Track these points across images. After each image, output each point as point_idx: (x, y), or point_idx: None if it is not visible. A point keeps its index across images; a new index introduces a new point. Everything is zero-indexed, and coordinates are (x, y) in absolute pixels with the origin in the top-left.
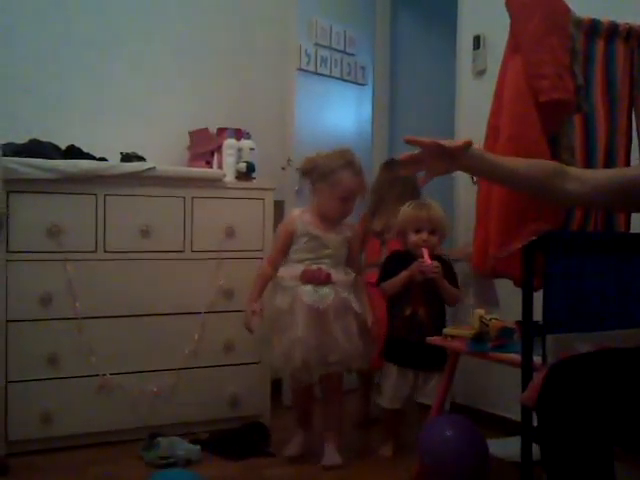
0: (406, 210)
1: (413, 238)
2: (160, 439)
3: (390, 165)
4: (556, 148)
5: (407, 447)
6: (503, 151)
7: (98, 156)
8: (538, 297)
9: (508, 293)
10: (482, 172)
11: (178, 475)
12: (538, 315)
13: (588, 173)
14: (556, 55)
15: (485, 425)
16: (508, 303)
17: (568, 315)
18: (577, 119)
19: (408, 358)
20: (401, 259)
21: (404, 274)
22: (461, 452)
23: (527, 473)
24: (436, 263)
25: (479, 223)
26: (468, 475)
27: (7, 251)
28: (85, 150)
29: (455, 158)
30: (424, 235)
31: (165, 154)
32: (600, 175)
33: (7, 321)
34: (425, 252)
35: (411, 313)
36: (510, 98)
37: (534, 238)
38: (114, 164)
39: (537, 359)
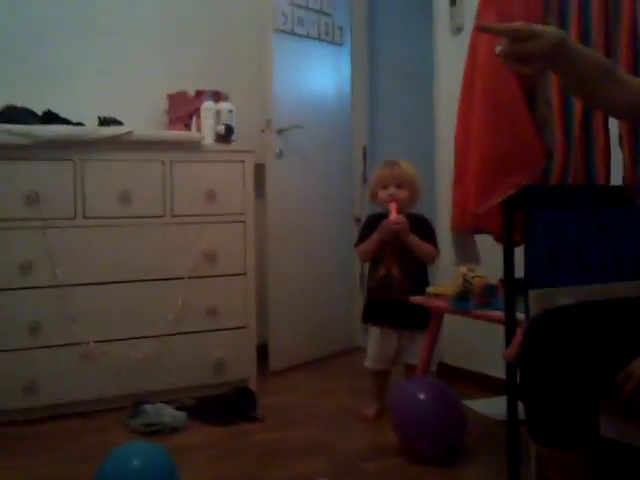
0: (375, 171)
1: (381, 195)
2: (145, 406)
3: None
4: (532, 101)
5: None
6: (478, 104)
7: (75, 121)
8: (520, 253)
9: (489, 249)
10: (570, 62)
11: (139, 447)
12: (521, 272)
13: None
14: (529, 6)
15: (474, 385)
16: (490, 260)
17: (549, 270)
18: None
19: (385, 318)
20: (376, 221)
21: (373, 235)
22: (430, 416)
23: (513, 431)
24: (400, 218)
25: (457, 179)
26: (442, 437)
27: None
28: (62, 115)
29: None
30: (391, 189)
31: (144, 118)
32: None
33: None
34: (393, 206)
35: (384, 273)
36: (485, 51)
37: (513, 192)
38: (91, 129)
39: (521, 315)
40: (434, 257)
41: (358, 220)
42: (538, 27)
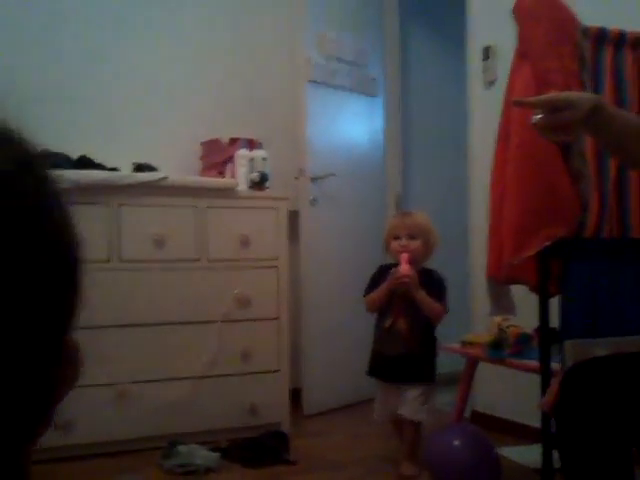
0: (388, 220)
1: (393, 245)
2: (180, 447)
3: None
4: (567, 153)
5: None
6: (514, 156)
7: (109, 166)
8: (555, 303)
9: (523, 299)
10: (606, 125)
11: None
12: (555, 322)
13: None
14: (564, 63)
15: (506, 433)
16: (524, 309)
17: (585, 320)
18: None
19: (387, 371)
20: (386, 271)
21: (382, 286)
22: (466, 461)
23: (547, 478)
24: (410, 270)
25: (493, 230)
26: None
27: None
28: (97, 161)
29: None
30: (402, 241)
31: (177, 164)
32: None
33: None
34: (403, 258)
35: (390, 325)
36: None
37: (548, 244)
38: (127, 174)
39: (556, 365)
40: (441, 317)
41: None
42: (573, 95)
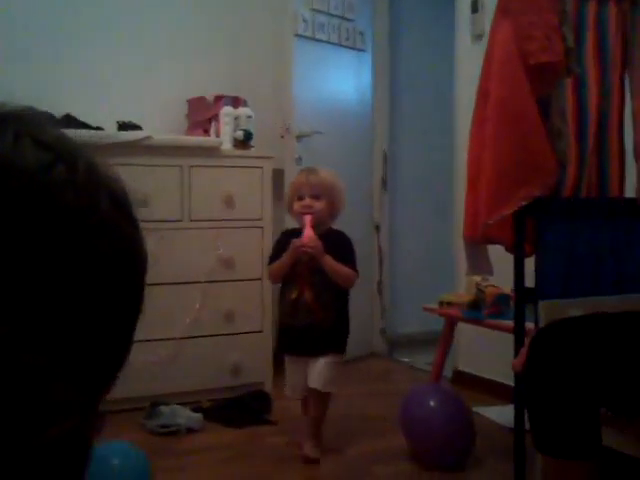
0: (292, 180)
1: (296, 206)
2: (162, 407)
3: None
4: (547, 111)
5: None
6: (492, 114)
7: (95, 125)
8: (531, 263)
9: (504, 259)
10: None
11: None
12: (533, 282)
13: None
14: (544, 17)
15: (487, 392)
16: (504, 269)
17: (560, 281)
18: (568, 82)
19: (296, 344)
20: (290, 237)
21: (284, 256)
22: (439, 421)
23: (520, 439)
24: (313, 239)
25: (469, 190)
26: (451, 443)
27: None
28: (81, 119)
29: None
30: (305, 201)
31: (164, 123)
32: None
33: None
34: (307, 219)
35: (296, 297)
36: (499, 61)
37: (525, 203)
38: (110, 133)
39: (531, 325)
40: (351, 281)
41: (377, 227)
42: None
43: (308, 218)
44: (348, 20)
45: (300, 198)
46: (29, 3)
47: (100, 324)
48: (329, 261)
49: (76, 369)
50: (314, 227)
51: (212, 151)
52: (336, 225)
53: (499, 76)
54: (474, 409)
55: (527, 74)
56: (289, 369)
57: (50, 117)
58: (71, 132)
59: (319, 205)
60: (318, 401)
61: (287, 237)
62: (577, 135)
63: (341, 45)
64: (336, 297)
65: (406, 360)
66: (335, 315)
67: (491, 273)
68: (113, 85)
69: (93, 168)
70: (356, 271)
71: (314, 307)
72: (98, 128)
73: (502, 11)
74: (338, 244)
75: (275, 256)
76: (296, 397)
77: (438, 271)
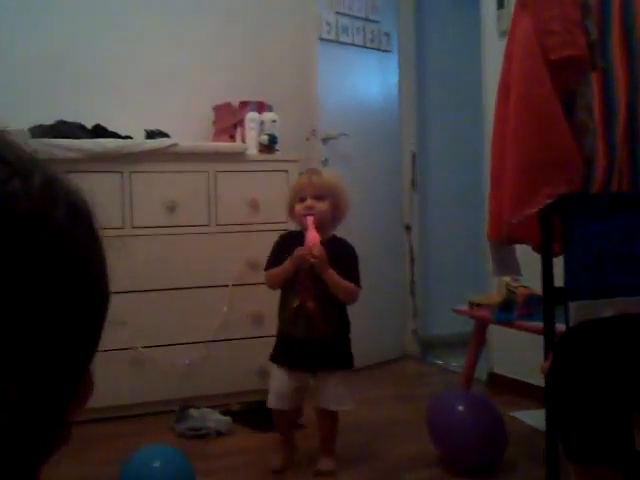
0: (294, 182)
1: (297, 208)
2: (191, 411)
3: None
4: (572, 107)
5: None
6: (514, 111)
7: (124, 134)
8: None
9: (536, 259)
10: None
11: (159, 450)
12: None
13: None
14: (565, 10)
15: (524, 395)
16: (536, 270)
17: (591, 280)
18: (594, 76)
19: (295, 357)
20: (290, 241)
21: (286, 263)
22: (469, 427)
23: (552, 444)
24: (315, 241)
25: (493, 189)
26: (481, 449)
27: None
28: (111, 129)
29: None
30: (308, 202)
31: (191, 130)
32: None
33: None
34: (310, 220)
35: (298, 305)
36: (519, 57)
37: (550, 202)
38: (138, 142)
39: (562, 327)
40: (354, 297)
41: (408, 227)
42: None
43: (310, 219)
44: (372, 22)
45: (302, 199)
46: (59, 18)
47: (45, 330)
48: (332, 276)
49: (17, 368)
50: (317, 229)
51: (237, 156)
52: (365, 226)
53: (520, 72)
54: (510, 413)
55: (549, 70)
56: (279, 379)
57: (80, 127)
58: (101, 141)
59: (322, 206)
60: (330, 420)
61: (287, 240)
62: (605, 129)
63: (366, 47)
64: (338, 308)
65: (439, 362)
66: (337, 327)
67: (519, 273)
68: (141, 95)
69: (50, 181)
70: (359, 286)
71: (316, 318)
72: (127, 137)
73: (522, 5)
74: (341, 255)
75: (274, 260)
76: (280, 407)
77: (471, 271)
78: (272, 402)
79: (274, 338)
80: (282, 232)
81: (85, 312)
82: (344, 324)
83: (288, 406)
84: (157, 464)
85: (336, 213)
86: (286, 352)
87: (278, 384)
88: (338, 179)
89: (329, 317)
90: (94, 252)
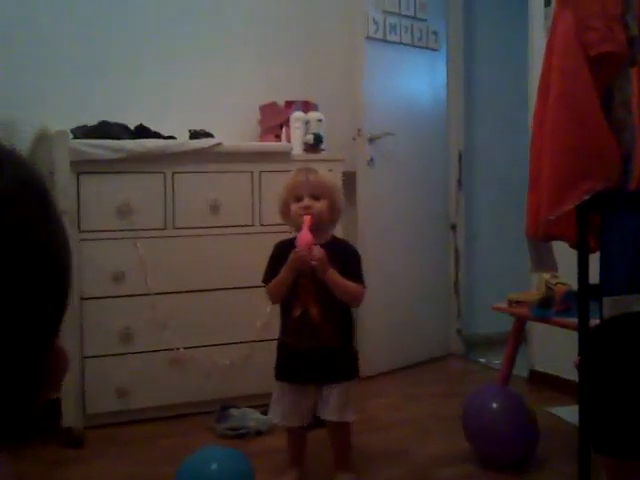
0: (286, 181)
1: (293, 208)
2: (232, 410)
3: None
4: (609, 103)
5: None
6: (553, 109)
7: (167, 134)
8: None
9: (574, 255)
10: None
11: (217, 451)
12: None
13: None
14: (606, 6)
15: (565, 392)
16: (574, 266)
17: (627, 276)
18: (634, 72)
19: (300, 371)
20: (286, 250)
21: (283, 270)
22: (502, 424)
23: (584, 440)
24: (317, 250)
25: (532, 186)
26: (514, 445)
27: (80, 231)
28: (154, 129)
29: None
30: (305, 201)
31: (237, 130)
32: None
33: (81, 299)
34: (306, 219)
35: (300, 314)
36: (559, 53)
37: (587, 198)
38: (181, 142)
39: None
40: (359, 298)
41: (454, 227)
42: None
43: (307, 218)
44: (421, 20)
45: (298, 199)
46: (101, 20)
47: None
48: (335, 277)
49: None
50: (313, 231)
51: (282, 156)
52: (410, 225)
53: (559, 69)
54: (549, 409)
55: (589, 66)
56: (289, 396)
57: (123, 128)
58: (143, 141)
59: (320, 206)
60: (341, 432)
61: (282, 249)
62: None
63: (414, 45)
64: (344, 313)
65: (482, 360)
66: (343, 334)
67: (555, 270)
68: (186, 94)
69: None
70: (364, 286)
71: (321, 326)
72: (170, 137)
73: (563, 1)
74: (343, 255)
75: (271, 272)
76: (289, 425)
77: (515, 271)
78: (277, 419)
79: None
80: (278, 242)
81: (35, 284)
82: (350, 331)
83: (300, 421)
84: (214, 466)
85: (333, 213)
86: (293, 368)
87: (288, 402)
88: (334, 178)
89: (335, 324)
90: (43, 220)
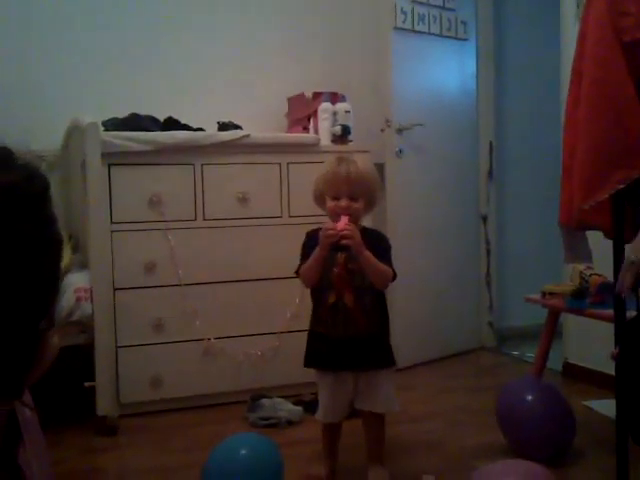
0: (325, 169)
1: (330, 205)
2: (263, 400)
3: None
4: None
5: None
6: (586, 95)
7: (196, 126)
8: None
9: (603, 247)
10: None
11: (247, 438)
12: None
13: None
14: None
15: (600, 385)
16: (605, 257)
17: None
18: None
19: (336, 359)
20: (318, 238)
21: (316, 251)
22: (537, 416)
23: (622, 432)
24: (348, 225)
25: (565, 176)
26: (549, 437)
27: (111, 222)
28: (183, 121)
29: None
30: (342, 202)
31: (265, 122)
32: None
33: (114, 289)
34: (342, 220)
35: (334, 301)
36: (593, 40)
37: (622, 186)
38: (209, 133)
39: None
40: (388, 280)
41: (484, 218)
42: None
43: (344, 219)
44: (449, 10)
45: (335, 198)
46: (131, 14)
47: None
48: (369, 257)
49: None
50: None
51: (310, 147)
52: (441, 217)
53: (592, 55)
54: (584, 402)
55: (623, 52)
56: (329, 390)
57: (152, 120)
58: (173, 133)
59: (357, 207)
60: (377, 423)
61: (315, 237)
62: None
63: (442, 36)
64: (377, 301)
65: (515, 353)
66: (378, 322)
67: (590, 260)
68: (214, 87)
69: None
70: (394, 273)
71: (355, 312)
72: (199, 129)
73: None
74: (375, 242)
75: (305, 259)
76: (332, 421)
77: (547, 263)
78: (321, 415)
79: None
80: (310, 230)
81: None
82: (384, 318)
83: (339, 417)
84: (244, 452)
85: (369, 208)
86: (327, 354)
87: (328, 396)
88: (373, 172)
89: (368, 310)
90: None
